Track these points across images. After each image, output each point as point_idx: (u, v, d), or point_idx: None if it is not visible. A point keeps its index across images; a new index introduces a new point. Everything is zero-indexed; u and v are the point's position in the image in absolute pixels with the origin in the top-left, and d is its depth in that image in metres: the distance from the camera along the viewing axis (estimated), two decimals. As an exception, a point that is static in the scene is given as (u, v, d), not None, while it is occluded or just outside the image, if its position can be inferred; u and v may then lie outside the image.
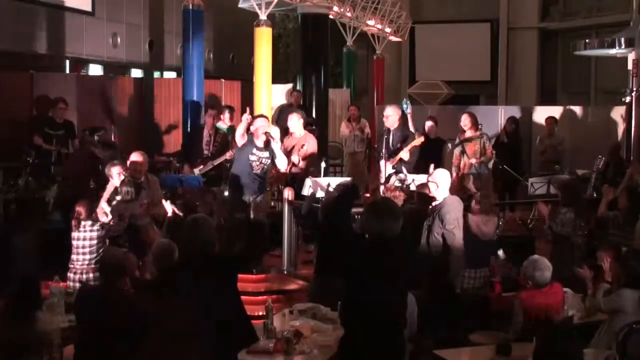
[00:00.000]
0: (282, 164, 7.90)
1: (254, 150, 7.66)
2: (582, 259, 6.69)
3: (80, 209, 6.32)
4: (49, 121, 9.45)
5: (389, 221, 4.10)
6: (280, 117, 12.02)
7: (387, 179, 8.60)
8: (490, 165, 9.61)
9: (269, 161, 7.75)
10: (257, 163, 7.67)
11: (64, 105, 9.46)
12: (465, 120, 9.62)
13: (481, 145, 9.47)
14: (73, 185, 8.26)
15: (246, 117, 7.72)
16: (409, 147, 8.85)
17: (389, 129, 9.09)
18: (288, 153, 8.60)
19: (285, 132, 10.75)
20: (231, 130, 9.28)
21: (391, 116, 9.05)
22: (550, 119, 11.41)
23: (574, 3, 20.46)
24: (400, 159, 8.82)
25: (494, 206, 6.94)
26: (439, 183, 6.23)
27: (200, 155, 9.10)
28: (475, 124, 9.56)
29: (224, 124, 9.83)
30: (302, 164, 8.73)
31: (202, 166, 8.80)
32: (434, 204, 6.23)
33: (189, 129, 10.55)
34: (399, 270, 4.14)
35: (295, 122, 8.92)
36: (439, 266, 6.09)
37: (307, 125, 10.68)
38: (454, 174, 9.73)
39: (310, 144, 8.87)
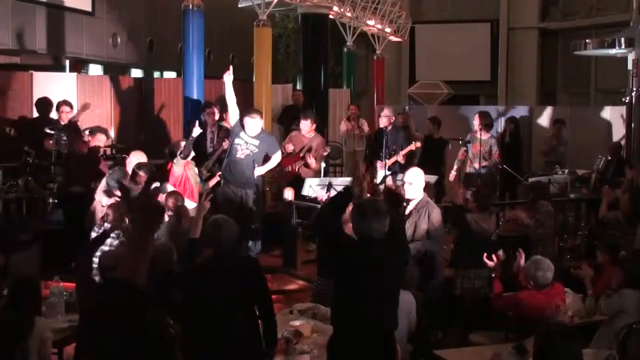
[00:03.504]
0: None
1: (241, 134, 7.62)
2: (580, 258, 6.72)
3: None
4: (51, 122, 9.41)
5: (375, 221, 4.09)
6: (282, 119, 12.04)
7: (383, 180, 8.64)
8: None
9: (257, 150, 7.65)
10: (243, 147, 7.61)
11: (68, 108, 9.38)
12: (474, 120, 9.70)
13: (487, 148, 9.51)
14: (74, 185, 8.29)
15: (228, 78, 7.54)
16: (405, 151, 8.91)
17: (385, 129, 9.14)
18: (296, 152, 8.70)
19: (287, 132, 10.76)
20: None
21: (387, 117, 9.12)
22: (560, 124, 11.34)
23: (574, 3, 20.46)
24: (396, 161, 8.90)
25: (491, 204, 6.97)
26: (413, 182, 6.26)
27: (204, 153, 9.11)
28: (484, 125, 9.59)
29: (226, 123, 9.82)
30: (316, 165, 8.74)
31: (206, 162, 8.83)
32: (415, 201, 6.26)
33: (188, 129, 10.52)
34: (388, 269, 4.14)
35: (308, 126, 8.90)
36: (428, 267, 6.15)
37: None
38: (455, 168, 9.81)
39: (319, 144, 8.90)
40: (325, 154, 8.84)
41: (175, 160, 7.73)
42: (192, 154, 7.93)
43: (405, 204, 6.10)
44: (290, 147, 8.92)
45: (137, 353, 2.97)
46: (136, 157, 7.25)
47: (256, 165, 7.69)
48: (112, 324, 2.95)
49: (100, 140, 8.53)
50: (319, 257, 6.30)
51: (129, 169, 7.11)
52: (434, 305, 5.87)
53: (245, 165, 7.64)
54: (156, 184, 6.69)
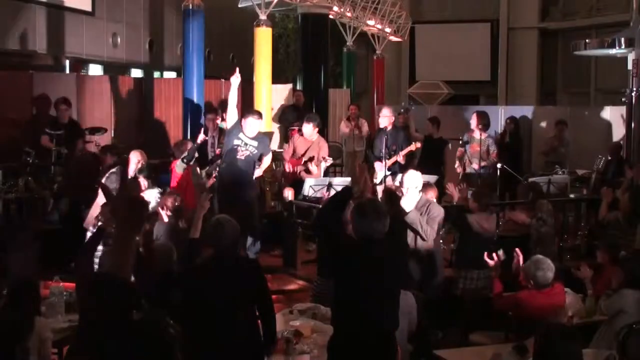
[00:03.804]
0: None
1: (240, 135, 7.62)
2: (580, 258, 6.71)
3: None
4: (51, 121, 9.41)
5: (374, 221, 4.08)
6: (283, 118, 12.04)
7: (383, 180, 8.63)
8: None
9: (256, 151, 7.65)
10: (243, 149, 7.61)
11: (65, 106, 9.37)
12: (472, 120, 9.70)
13: (485, 147, 9.51)
14: (74, 186, 8.30)
15: (236, 80, 7.56)
16: (405, 151, 8.93)
17: (385, 129, 9.15)
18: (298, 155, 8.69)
19: (286, 131, 10.74)
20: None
21: (387, 117, 9.14)
22: (562, 125, 11.30)
23: (574, 3, 20.48)
24: (396, 161, 8.90)
25: (491, 204, 6.97)
26: (418, 186, 6.25)
27: (205, 156, 9.13)
28: (482, 125, 9.58)
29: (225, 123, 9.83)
30: (318, 171, 8.70)
31: (207, 167, 8.85)
32: (414, 202, 6.24)
33: (189, 132, 10.53)
34: (388, 269, 4.13)
35: (310, 129, 8.82)
36: (430, 267, 6.15)
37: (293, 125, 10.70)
38: (457, 167, 9.81)
39: (324, 150, 8.84)
40: (328, 163, 8.80)
41: (178, 162, 7.78)
42: (196, 155, 7.99)
43: None
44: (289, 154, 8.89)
45: (137, 353, 2.96)
46: (136, 157, 7.25)
47: (257, 165, 7.72)
48: (109, 324, 2.94)
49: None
50: (319, 257, 6.29)
51: (130, 169, 7.11)
52: (434, 305, 5.86)
53: (246, 165, 7.64)
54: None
